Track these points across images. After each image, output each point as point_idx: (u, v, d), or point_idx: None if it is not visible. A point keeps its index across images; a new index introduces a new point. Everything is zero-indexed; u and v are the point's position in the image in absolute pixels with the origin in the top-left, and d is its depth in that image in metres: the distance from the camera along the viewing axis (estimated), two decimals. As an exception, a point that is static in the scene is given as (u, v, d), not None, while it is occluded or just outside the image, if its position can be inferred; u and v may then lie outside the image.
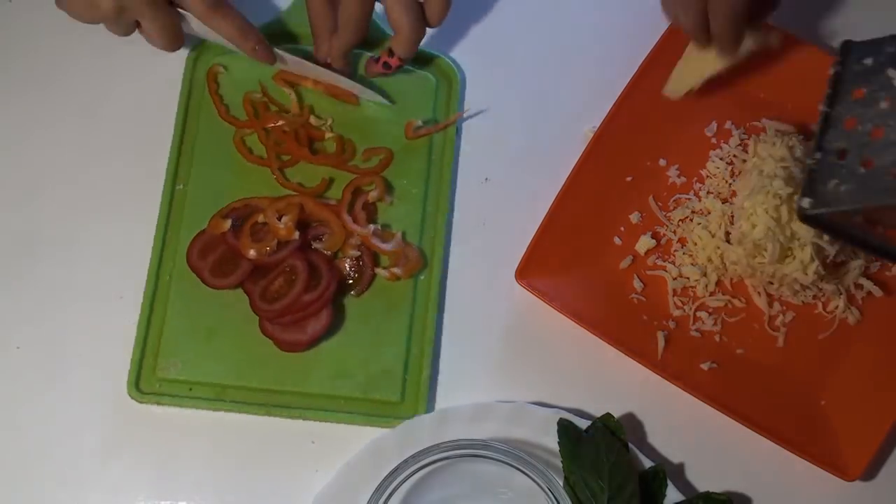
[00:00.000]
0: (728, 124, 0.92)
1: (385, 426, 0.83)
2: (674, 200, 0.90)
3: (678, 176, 0.90)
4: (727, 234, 0.87)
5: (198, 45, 0.93)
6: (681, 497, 0.80)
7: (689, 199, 0.89)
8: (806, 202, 0.70)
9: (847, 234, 0.70)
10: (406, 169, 0.91)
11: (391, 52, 0.87)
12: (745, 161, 0.89)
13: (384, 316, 0.86)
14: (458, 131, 0.93)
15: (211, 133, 0.91)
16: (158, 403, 0.84)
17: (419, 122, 0.91)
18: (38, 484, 0.83)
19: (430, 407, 0.85)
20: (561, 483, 0.77)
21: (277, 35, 0.93)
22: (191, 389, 0.84)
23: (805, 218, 0.71)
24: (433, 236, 0.89)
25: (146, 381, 0.84)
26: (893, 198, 0.66)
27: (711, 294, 0.87)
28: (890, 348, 0.85)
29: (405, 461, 0.77)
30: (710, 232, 0.87)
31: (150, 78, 0.93)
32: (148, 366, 0.84)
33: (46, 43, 0.95)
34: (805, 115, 0.91)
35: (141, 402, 0.84)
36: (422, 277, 0.88)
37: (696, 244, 0.87)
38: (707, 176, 0.90)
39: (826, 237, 0.80)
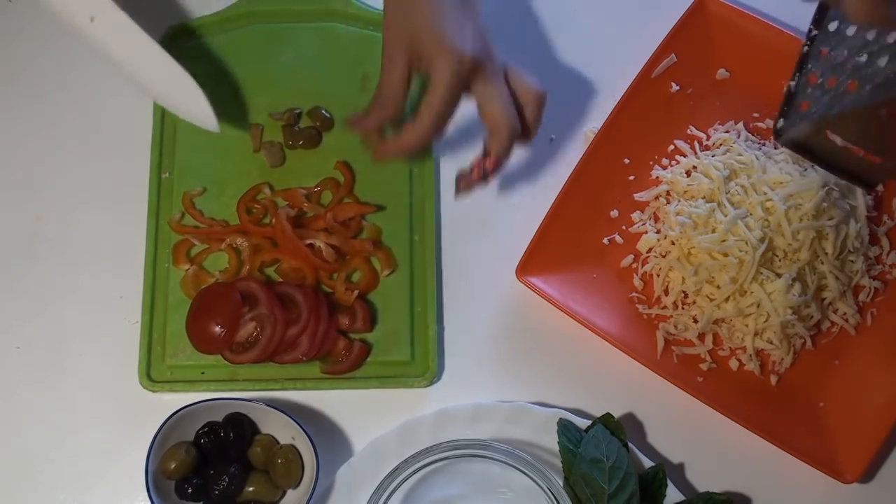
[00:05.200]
0: (730, 125, 0.92)
1: (399, 386, 0.84)
2: (676, 201, 0.89)
3: (680, 176, 0.90)
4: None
5: (165, 33, 0.93)
6: (681, 497, 0.80)
7: (690, 200, 0.89)
8: (780, 123, 0.73)
9: (817, 154, 0.72)
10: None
11: (485, 152, 0.81)
12: (743, 165, 0.88)
13: (384, 279, 0.87)
14: None
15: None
16: (171, 390, 0.84)
17: None
18: (39, 484, 0.83)
19: (440, 365, 0.86)
20: (561, 483, 0.77)
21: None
22: (203, 373, 0.84)
23: (778, 138, 0.73)
24: (422, 194, 0.90)
25: (156, 370, 0.84)
26: (846, 107, 0.68)
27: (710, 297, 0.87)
28: (888, 351, 0.85)
29: (405, 461, 0.77)
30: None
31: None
32: (156, 354, 0.85)
33: (43, 41, 0.95)
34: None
35: (153, 391, 0.84)
36: (416, 238, 0.88)
37: (693, 247, 0.87)
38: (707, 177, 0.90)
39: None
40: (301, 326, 0.83)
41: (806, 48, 0.73)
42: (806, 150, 0.72)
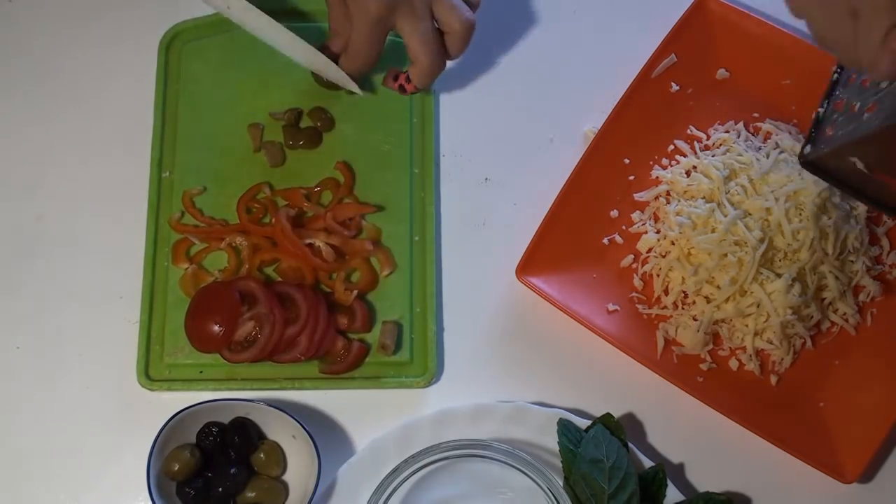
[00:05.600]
0: (730, 125, 0.92)
1: (398, 386, 0.84)
2: (675, 201, 0.89)
3: (680, 176, 0.90)
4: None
5: (166, 32, 0.93)
6: (681, 497, 0.80)
7: (689, 200, 0.89)
8: (807, 149, 0.74)
9: (841, 179, 0.74)
10: (387, 131, 0.92)
11: (409, 79, 0.87)
12: (743, 165, 0.88)
13: (384, 280, 0.87)
14: (436, 90, 0.93)
15: (191, 118, 0.91)
16: (169, 389, 0.84)
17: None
18: (38, 484, 0.83)
19: (439, 365, 0.86)
20: (561, 483, 0.77)
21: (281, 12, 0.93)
22: (201, 372, 0.84)
23: (804, 164, 0.75)
24: (422, 194, 0.90)
25: (155, 368, 0.84)
26: (864, 131, 0.69)
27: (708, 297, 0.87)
28: (888, 351, 0.85)
29: (405, 461, 0.77)
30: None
31: (131, 68, 0.93)
32: (155, 353, 0.85)
33: (43, 42, 0.95)
34: (808, 116, 0.91)
35: (151, 390, 0.84)
36: (416, 238, 0.88)
37: (693, 247, 0.87)
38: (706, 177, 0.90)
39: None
40: (300, 326, 0.83)
41: (836, 75, 0.75)
42: (830, 174, 0.74)
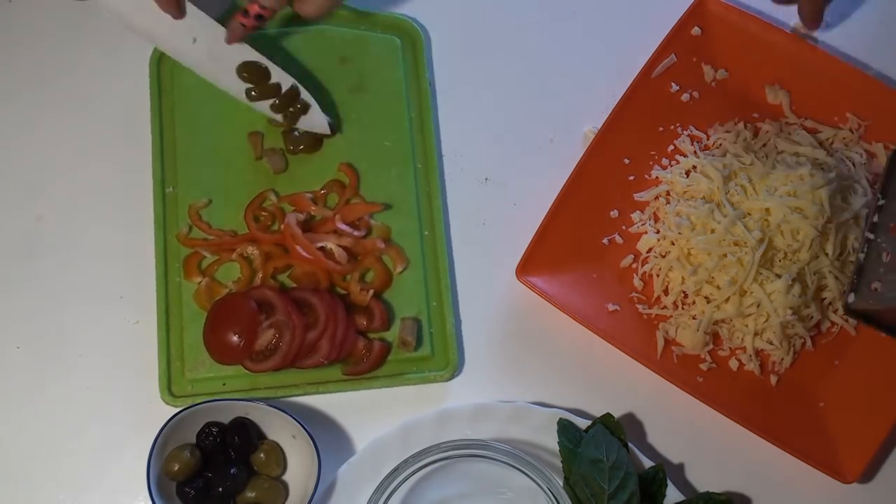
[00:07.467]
0: (730, 125, 0.92)
1: (421, 382, 0.84)
2: (675, 201, 0.89)
3: (680, 176, 0.90)
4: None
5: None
6: (681, 497, 0.80)
7: (689, 200, 0.89)
8: (850, 297, 0.79)
9: (884, 325, 0.79)
10: (386, 128, 0.91)
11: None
12: (743, 165, 0.88)
13: (398, 277, 0.87)
14: (432, 83, 0.93)
15: (190, 131, 0.91)
16: (194, 405, 0.83)
17: None
18: (39, 484, 0.83)
19: (460, 359, 0.86)
20: (561, 483, 0.78)
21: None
22: (224, 384, 0.84)
23: (848, 312, 0.79)
24: (428, 188, 0.90)
25: (177, 385, 0.84)
26: None
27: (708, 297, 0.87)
28: (888, 351, 0.85)
29: (405, 461, 0.77)
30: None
31: (131, 69, 0.93)
32: (176, 369, 0.84)
33: (44, 43, 0.95)
34: (808, 116, 0.91)
35: (175, 407, 0.83)
36: (426, 233, 0.89)
37: (693, 247, 0.87)
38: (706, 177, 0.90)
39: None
40: (320, 330, 0.82)
41: (876, 217, 0.78)
42: (876, 323, 0.79)
